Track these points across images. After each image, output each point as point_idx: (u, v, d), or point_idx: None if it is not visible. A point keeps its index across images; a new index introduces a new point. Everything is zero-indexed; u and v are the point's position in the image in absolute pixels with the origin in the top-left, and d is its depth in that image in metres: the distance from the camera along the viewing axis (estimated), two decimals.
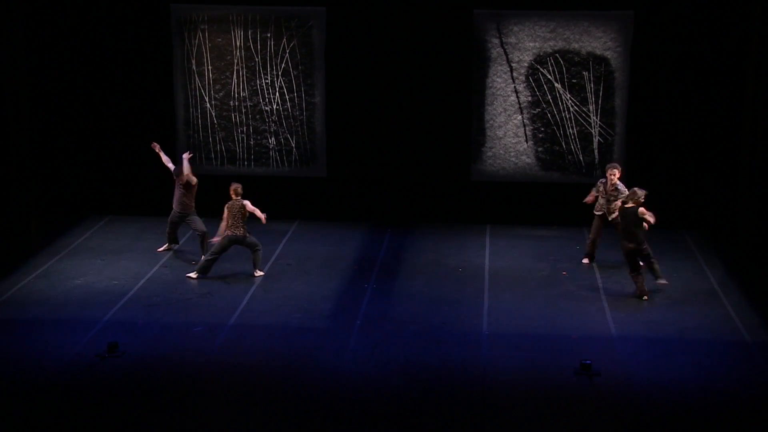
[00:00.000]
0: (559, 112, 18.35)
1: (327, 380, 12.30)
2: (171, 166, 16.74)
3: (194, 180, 16.50)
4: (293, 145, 18.82)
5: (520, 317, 14.42)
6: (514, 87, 18.38)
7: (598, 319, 14.37)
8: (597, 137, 18.38)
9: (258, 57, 18.50)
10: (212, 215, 16.54)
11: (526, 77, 18.31)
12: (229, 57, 18.55)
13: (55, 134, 18.56)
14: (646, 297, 14.96)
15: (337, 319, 14.31)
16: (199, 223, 16.54)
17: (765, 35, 16.77)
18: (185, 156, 16.64)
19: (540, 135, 18.50)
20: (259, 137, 18.81)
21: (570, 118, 18.36)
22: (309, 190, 18.99)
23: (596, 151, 18.42)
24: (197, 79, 18.65)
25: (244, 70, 18.57)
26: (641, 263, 15.04)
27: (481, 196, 18.84)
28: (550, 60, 18.21)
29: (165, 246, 17.02)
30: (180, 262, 16.49)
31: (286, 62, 18.52)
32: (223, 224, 15.75)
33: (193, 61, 18.60)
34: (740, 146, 17.75)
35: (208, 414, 11.54)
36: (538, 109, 18.39)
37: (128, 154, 18.97)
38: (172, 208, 16.62)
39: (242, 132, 18.80)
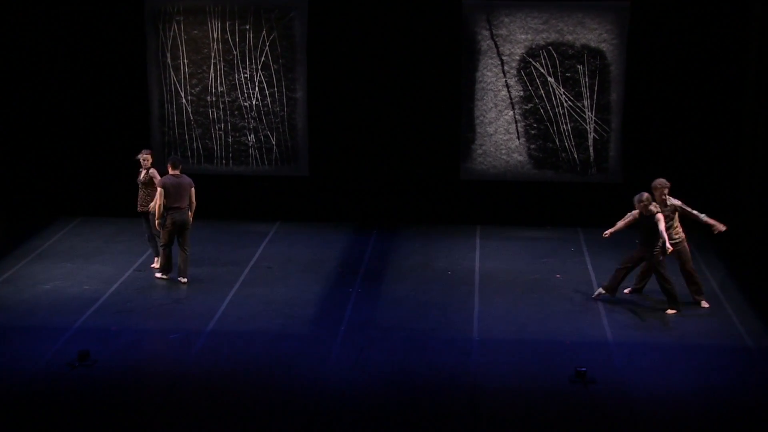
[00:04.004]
0: (553, 107, 18.30)
1: (309, 389, 12.19)
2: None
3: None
4: (273, 143, 18.74)
5: (512, 322, 14.35)
6: (505, 81, 18.32)
7: (594, 323, 14.29)
8: (592, 133, 18.36)
9: (236, 50, 18.45)
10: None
11: (518, 71, 18.26)
12: (206, 50, 18.48)
13: (22, 131, 18.49)
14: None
15: (321, 325, 14.22)
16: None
17: (764, 27, 16.74)
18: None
19: (532, 131, 18.43)
20: (237, 134, 18.74)
21: (564, 113, 18.32)
22: (290, 189, 18.88)
23: (591, 148, 18.40)
24: (172, 73, 18.56)
25: (222, 64, 18.52)
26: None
27: (471, 196, 18.76)
28: (542, 53, 18.18)
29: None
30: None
31: (266, 56, 18.45)
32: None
33: (168, 55, 18.54)
34: (740, 143, 17.73)
35: (185, 425, 11.43)
36: (530, 105, 18.35)
37: (100, 153, 18.85)
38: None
39: (220, 129, 18.74)
